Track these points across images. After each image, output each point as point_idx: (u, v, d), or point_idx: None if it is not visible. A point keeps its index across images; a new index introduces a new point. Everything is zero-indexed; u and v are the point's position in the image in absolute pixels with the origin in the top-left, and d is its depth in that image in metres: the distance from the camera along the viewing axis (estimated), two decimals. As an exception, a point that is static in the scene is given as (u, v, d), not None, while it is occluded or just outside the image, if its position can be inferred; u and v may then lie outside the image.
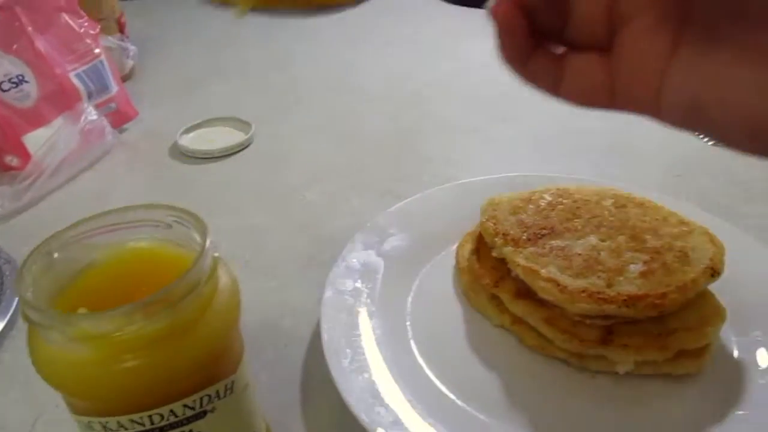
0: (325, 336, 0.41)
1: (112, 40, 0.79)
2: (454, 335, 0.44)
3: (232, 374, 0.29)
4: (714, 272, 0.40)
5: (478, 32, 1.01)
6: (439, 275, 0.49)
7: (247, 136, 0.70)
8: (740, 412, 0.37)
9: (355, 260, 0.48)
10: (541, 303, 0.41)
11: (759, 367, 0.40)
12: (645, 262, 0.41)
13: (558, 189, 0.48)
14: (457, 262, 0.48)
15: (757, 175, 0.61)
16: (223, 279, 0.29)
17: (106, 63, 0.69)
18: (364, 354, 0.41)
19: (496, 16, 0.28)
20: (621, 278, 0.40)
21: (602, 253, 0.42)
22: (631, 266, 0.40)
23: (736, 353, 0.41)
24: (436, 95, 0.81)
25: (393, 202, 0.55)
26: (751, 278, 0.45)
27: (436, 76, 0.86)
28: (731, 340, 0.42)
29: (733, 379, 0.39)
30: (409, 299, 0.46)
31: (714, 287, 0.42)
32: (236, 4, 0.44)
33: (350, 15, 1.10)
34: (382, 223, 0.52)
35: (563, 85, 0.29)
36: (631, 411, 0.38)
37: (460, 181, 0.58)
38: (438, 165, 0.66)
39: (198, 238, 0.28)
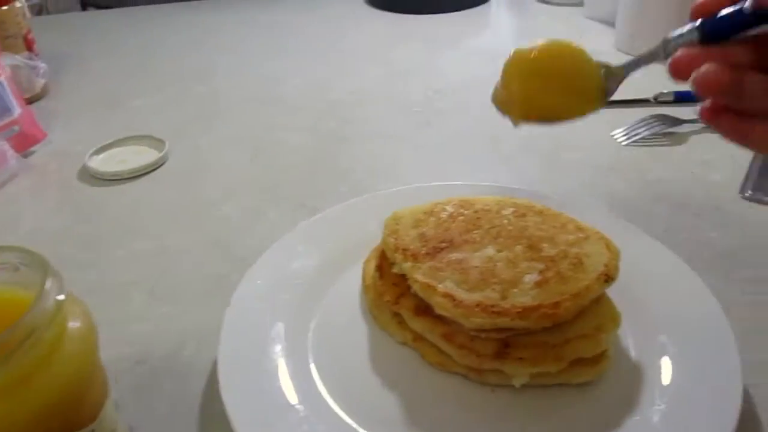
0: (221, 366, 0.40)
1: (18, 59, 0.76)
2: (358, 355, 0.43)
3: (91, 423, 0.28)
4: (608, 278, 0.40)
5: (406, 37, 1.01)
6: (347, 293, 0.48)
7: (160, 155, 0.68)
8: (637, 418, 0.37)
9: (260, 281, 0.47)
10: (440, 319, 0.40)
11: (660, 371, 0.40)
12: (540, 272, 0.40)
13: (460, 200, 0.48)
14: (363, 279, 0.48)
15: (669, 176, 0.62)
16: (73, 323, 0.27)
17: (6, 84, 0.66)
18: (261, 383, 0.39)
19: (709, 122, 0.33)
20: (516, 290, 0.39)
21: (498, 264, 0.41)
22: (527, 277, 0.40)
23: (638, 357, 0.41)
24: (359, 103, 0.80)
25: (309, 215, 0.55)
26: (656, 281, 0.46)
27: (361, 84, 0.85)
28: (635, 344, 0.42)
29: (633, 384, 0.39)
30: (314, 321, 0.45)
31: (620, 292, 0.42)
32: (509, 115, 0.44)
33: (276, 24, 1.09)
34: (291, 241, 0.51)
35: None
36: (531, 423, 0.38)
37: (376, 193, 0.57)
38: (357, 175, 0.65)
39: (40, 280, 0.26)
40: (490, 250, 0.42)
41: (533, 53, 0.38)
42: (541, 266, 0.41)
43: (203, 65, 0.93)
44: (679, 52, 0.32)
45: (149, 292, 0.51)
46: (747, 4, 0.31)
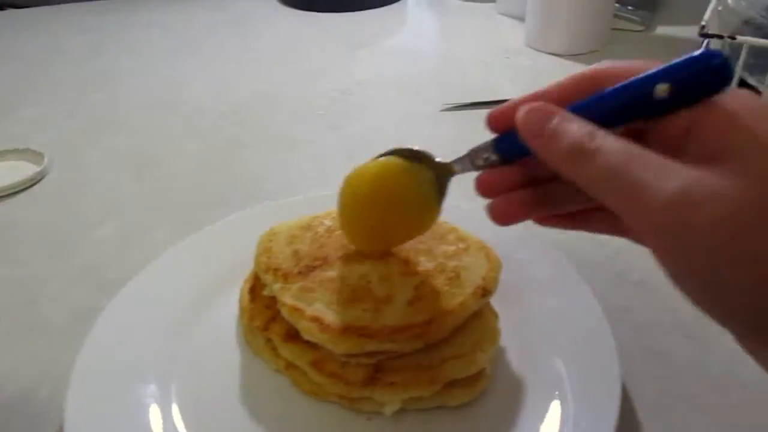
0: (68, 411, 0.36)
1: None
2: (228, 385, 0.40)
3: None
4: (485, 292, 0.38)
5: (319, 37, 0.98)
6: (224, 317, 0.44)
7: (38, 170, 0.63)
8: (517, 438, 0.36)
9: (125, 310, 0.43)
10: (311, 344, 0.38)
11: (542, 387, 0.38)
12: (415, 288, 0.38)
13: (340, 212, 0.45)
14: (240, 301, 0.44)
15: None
16: None
17: None
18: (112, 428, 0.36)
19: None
20: (388, 309, 0.37)
21: (373, 281, 0.39)
22: (400, 294, 0.38)
23: (521, 373, 0.39)
24: (263, 106, 0.77)
25: (196, 231, 0.51)
26: (543, 289, 0.44)
27: (266, 86, 0.82)
28: (519, 359, 0.40)
29: (515, 403, 0.37)
30: (184, 349, 0.42)
31: (506, 302, 0.40)
32: None
33: (185, 24, 1.04)
34: (165, 262, 0.47)
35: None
36: (408, 450, 0.36)
37: (265, 204, 0.54)
38: (251, 185, 0.61)
39: None
40: (365, 266, 0.40)
41: (362, 189, 0.36)
42: (416, 282, 0.39)
43: (104, 71, 0.87)
44: (481, 173, 0.31)
45: (8, 326, 0.46)
46: None
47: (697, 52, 0.24)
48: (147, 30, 1.02)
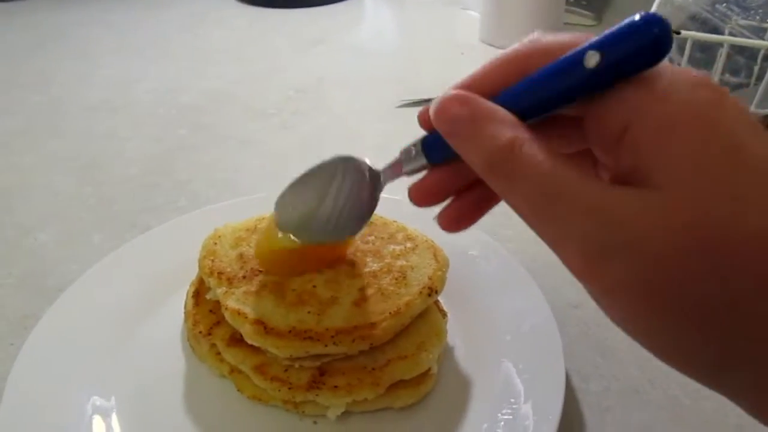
0: (1, 423, 0.34)
1: None
2: (171, 392, 0.39)
3: None
4: (431, 292, 0.38)
5: (272, 33, 0.97)
6: (168, 323, 0.43)
7: (-23, 173, 0.61)
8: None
9: (61, 320, 0.41)
10: (255, 349, 0.37)
11: (489, 386, 0.38)
12: (360, 289, 0.38)
13: (288, 213, 0.44)
14: (185, 306, 0.43)
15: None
16: None
17: None
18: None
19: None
20: (332, 311, 0.36)
21: (318, 284, 0.38)
22: (345, 296, 0.37)
23: (468, 372, 0.39)
24: (213, 106, 0.75)
25: (139, 235, 0.49)
26: (492, 287, 0.44)
27: (217, 85, 0.80)
28: (466, 357, 0.40)
29: (461, 403, 0.37)
30: (125, 357, 0.40)
31: (456, 301, 0.40)
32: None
33: (130, 22, 1.01)
34: (107, 266, 0.46)
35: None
36: (355, 453, 0.35)
37: (211, 206, 0.53)
38: (198, 187, 0.60)
39: None
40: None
41: (266, 263, 0.39)
42: (362, 283, 0.38)
43: (42, 71, 0.84)
44: (414, 179, 0.28)
45: (-61, 338, 0.44)
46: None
47: (636, 16, 0.21)
48: (90, 29, 0.99)
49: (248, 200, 0.52)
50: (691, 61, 0.66)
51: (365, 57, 0.89)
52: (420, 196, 0.28)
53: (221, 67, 0.86)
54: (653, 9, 0.65)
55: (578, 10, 0.93)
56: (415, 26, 1.01)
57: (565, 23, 0.91)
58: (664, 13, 0.67)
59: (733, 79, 0.68)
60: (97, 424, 0.36)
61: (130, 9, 1.06)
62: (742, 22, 0.66)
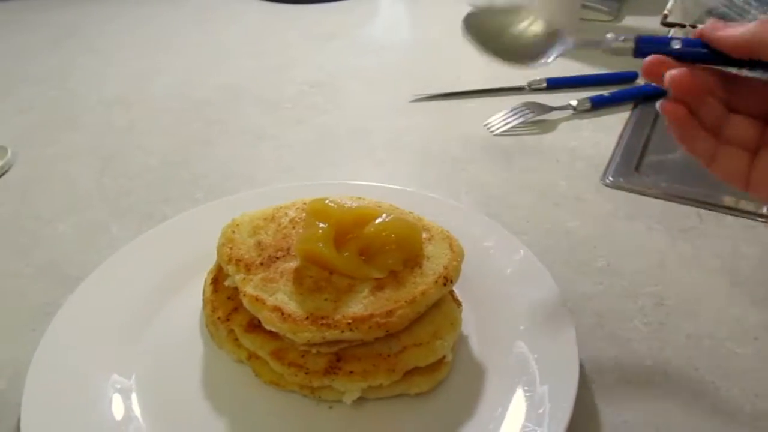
0: (24, 409, 0.35)
1: None
2: (190, 377, 0.39)
3: None
4: (447, 281, 0.38)
5: (286, 29, 0.97)
6: (187, 310, 0.44)
7: (0, 164, 0.62)
8: (475, 426, 0.36)
9: (83, 306, 0.42)
10: (272, 335, 0.37)
11: (504, 373, 0.38)
12: (376, 278, 0.38)
13: (304, 203, 0.45)
14: (203, 293, 0.44)
15: (535, 165, 0.62)
16: None
17: None
18: (70, 427, 0.35)
19: (667, 113, 0.33)
20: (350, 298, 0.37)
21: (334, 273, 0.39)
22: (362, 284, 0.38)
23: (483, 360, 0.40)
24: (227, 101, 0.76)
25: (156, 226, 0.50)
26: (506, 278, 0.44)
27: (232, 80, 0.81)
28: (481, 346, 0.41)
29: (475, 390, 0.38)
30: (145, 342, 0.41)
31: (470, 291, 0.40)
32: None
33: (144, 18, 1.02)
34: (125, 255, 0.47)
35: (714, 165, 0.34)
36: (370, 439, 0.36)
37: (227, 198, 0.53)
38: (214, 180, 0.61)
39: None
40: (327, 257, 0.40)
41: None
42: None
43: (60, 67, 0.85)
44: (651, 57, 0.33)
45: (-36, 323, 0.45)
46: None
47: None
48: (103, 25, 1.00)
49: (263, 192, 0.53)
50: (708, 55, 0.65)
51: (378, 52, 0.89)
52: (651, 71, 0.33)
53: (235, 62, 0.86)
54: (669, 3, 0.64)
55: (595, 5, 0.92)
56: (428, 21, 1.00)
57: (582, 19, 0.91)
58: (682, 8, 0.67)
59: (751, 74, 0.67)
60: (117, 403, 0.37)
61: (142, 5, 1.07)
62: (761, 16, 0.66)
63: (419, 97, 0.74)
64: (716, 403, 0.38)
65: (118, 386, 0.38)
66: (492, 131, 0.67)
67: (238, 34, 0.96)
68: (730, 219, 0.53)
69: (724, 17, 0.68)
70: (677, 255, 0.50)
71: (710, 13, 0.69)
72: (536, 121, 0.68)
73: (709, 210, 0.54)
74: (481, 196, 0.57)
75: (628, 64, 0.77)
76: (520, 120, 0.68)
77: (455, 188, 0.58)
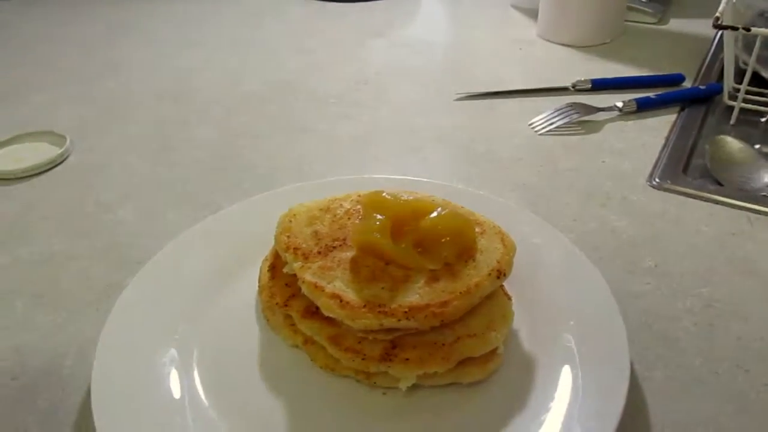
0: (95, 383, 0.37)
1: None
2: (247, 360, 0.41)
3: None
4: (500, 274, 0.39)
5: (330, 26, 0.99)
6: (243, 295, 0.46)
7: (60, 151, 0.64)
8: (527, 417, 0.36)
9: (147, 286, 0.44)
10: (329, 321, 0.39)
11: (553, 368, 0.39)
12: (432, 269, 0.39)
13: (360, 195, 0.46)
14: (259, 279, 0.45)
15: (580, 165, 0.62)
16: None
17: None
18: (136, 396, 0.37)
19: None
20: (406, 288, 0.38)
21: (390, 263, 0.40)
22: (417, 275, 0.39)
23: (533, 354, 0.40)
24: (274, 96, 0.77)
25: (210, 214, 0.52)
26: (555, 274, 0.45)
27: (278, 76, 0.83)
28: (531, 340, 0.41)
29: (526, 382, 0.38)
30: (204, 326, 0.43)
31: (519, 286, 0.41)
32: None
33: (193, 14, 1.05)
34: (184, 242, 0.48)
35: None
36: (423, 425, 0.37)
37: (279, 189, 0.55)
38: (263, 172, 0.62)
39: None
40: (383, 248, 0.41)
41: None
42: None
43: (114, 60, 0.88)
44: None
45: (33, 302, 0.47)
46: None
47: None
48: (154, 21, 1.03)
49: (318, 184, 0.54)
50: (760, 60, 0.65)
51: (423, 50, 0.90)
52: None
53: (282, 59, 0.88)
54: (721, 6, 0.64)
55: (640, 8, 0.92)
56: (470, 22, 1.01)
57: (626, 21, 0.90)
58: (732, 11, 0.66)
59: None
60: (179, 380, 0.39)
61: (191, 2, 1.10)
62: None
63: (463, 95, 0.74)
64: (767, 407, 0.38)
65: (180, 364, 0.40)
66: (536, 131, 0.67)
67: (285, 31, 0.98)
68: (780, 224, 0.53)
69: (776, 21, 0.68)
70: (726, 258, 0.50)
71: (762, 15, 0.69)
72: (581, 121, 0.69)
73: (759, 215, 0.53)
74: (525, 194, 0.57)
75: (675, 66, 0.77)
76: (565, 120, 0.68)
77: (499, 186, 0.58)
